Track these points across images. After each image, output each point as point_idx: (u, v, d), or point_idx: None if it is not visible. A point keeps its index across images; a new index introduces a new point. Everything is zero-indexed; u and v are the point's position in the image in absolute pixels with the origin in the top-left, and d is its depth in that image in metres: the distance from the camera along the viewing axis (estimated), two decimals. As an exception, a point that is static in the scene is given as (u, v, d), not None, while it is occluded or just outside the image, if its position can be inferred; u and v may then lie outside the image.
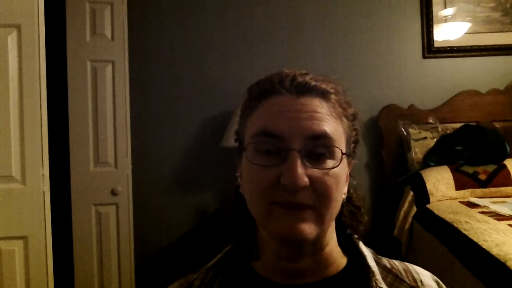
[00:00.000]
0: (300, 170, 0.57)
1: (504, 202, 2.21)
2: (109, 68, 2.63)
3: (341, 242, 0.69)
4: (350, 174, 0.68)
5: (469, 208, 2.13)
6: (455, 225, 1.92)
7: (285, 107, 0.61)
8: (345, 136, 0.64)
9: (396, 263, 0.69)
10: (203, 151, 2.93)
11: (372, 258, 0.68)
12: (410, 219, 2.42)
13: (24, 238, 1.78)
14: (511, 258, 1.43)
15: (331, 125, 0.61)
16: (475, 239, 1.69)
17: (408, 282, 0.65)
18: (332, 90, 0.64)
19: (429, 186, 2.43)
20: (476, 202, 2.23)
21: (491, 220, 1.87)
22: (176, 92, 2.93)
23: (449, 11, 2.90)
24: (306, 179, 0.57)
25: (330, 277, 0.65)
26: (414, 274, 0.66)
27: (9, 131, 1.77)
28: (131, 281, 2.67)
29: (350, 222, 0.70)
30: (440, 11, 2.92)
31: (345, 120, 0.65)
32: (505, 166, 2.48)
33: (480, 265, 1.57)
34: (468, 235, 1.76)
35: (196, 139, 2.95)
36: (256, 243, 0.68)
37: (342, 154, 0.61)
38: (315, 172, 0.59)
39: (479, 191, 2.41)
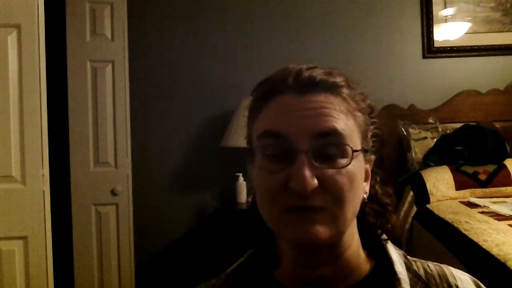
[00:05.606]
0: (307, 173, 0.53)
1: (504, 202, 2.21)
2: (109, 68, 2.63)
3: (366, 244, 0.64)
4: (372, 170, 0.64)
5: (469, 208, 2.13)
6: (455, 225, 1.91)
7: (289, 106, 0.57)
8: (359, 131, 0.59)
9: (432, 267, 0.63)
10: (203, 151, 2.93)
11: (402, 263, 0.62)
12: (410, 219, 2.41)
13: (24, 238, 1.78)
14: (511, 258, 1.43)
15: (341, 120, 0.56)
16: (475, 239, 1.68)
17: None
18: (342, 83, 0.59)
19: (429, 186, 2.42)
20: (476, 202, 2.23)
21: (491, 220, 1.87)
22: (176, 92, 2.94)
23: (449, 11, 2.90)
24: (314, 182, 0.53)
25: (353, 285, 0.60)
26: (450, 279, 0.61)
27: (9, 131, 1.77)
28: (131, 281, 2.67)
29: (375, 221, 0.65)
30: (440, 11, 2.92)
31: (359, 114, 0.60)
32: (505, 166, 2.48)
33: (480, 265, 1.57)
34: (468, 235, 1.75)
35: (196, 139, 2.95)
36: (276, 251, 0.65)
37: (353, 151, 0.56)
38: (326, 172, 0.54)
39: (479, 191, 2.41)
